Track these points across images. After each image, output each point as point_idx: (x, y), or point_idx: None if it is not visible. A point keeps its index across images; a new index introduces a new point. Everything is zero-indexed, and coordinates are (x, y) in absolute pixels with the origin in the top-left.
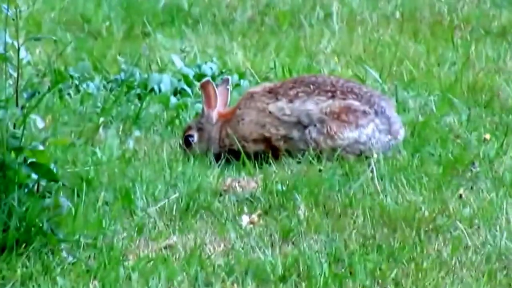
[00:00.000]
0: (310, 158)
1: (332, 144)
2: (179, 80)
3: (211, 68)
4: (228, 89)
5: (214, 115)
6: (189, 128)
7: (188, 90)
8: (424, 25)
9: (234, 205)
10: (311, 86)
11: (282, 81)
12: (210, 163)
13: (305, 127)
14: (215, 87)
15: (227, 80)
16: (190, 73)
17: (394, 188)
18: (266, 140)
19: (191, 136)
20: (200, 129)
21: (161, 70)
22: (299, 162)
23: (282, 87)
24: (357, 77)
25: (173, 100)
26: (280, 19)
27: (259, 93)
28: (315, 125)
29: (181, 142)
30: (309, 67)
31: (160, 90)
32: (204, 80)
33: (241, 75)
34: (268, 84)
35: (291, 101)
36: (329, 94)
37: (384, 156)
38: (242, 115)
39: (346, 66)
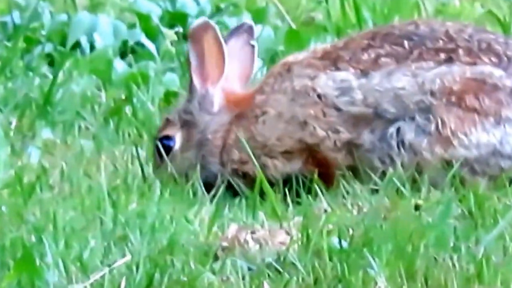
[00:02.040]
0: (399, 184)
1: (445, 154)
2: (131, 27)
3: (197, 1)
4: (253, 47)
5: (217, 95)
6: (166, 123)
7: (151, 46)
8: None
9: (243, 279)
10: (406, 43)
11: (349, 37)
12: (195, 194)
13: (391, 122)
14: (220, 36)
15: (250, 28)
16: (154, 11)
17: None
18: (310, 152)
19: (169, 138)
20: (186, 124)
21: (94, 6)
22: (375, 192)
23: (346, 47)
24: (495, 21)
25: (120, 66)
26: None
27: (302, 62)
28: (411, 118)
29: (154, 149)
30: (398, 1)
31: (92, 47)
32: (197, 22)
33: (258, 15)
34: (322, 46)
35: (363, 73)
36: (442, 55)
37: None
38: (264, 105)
39: None
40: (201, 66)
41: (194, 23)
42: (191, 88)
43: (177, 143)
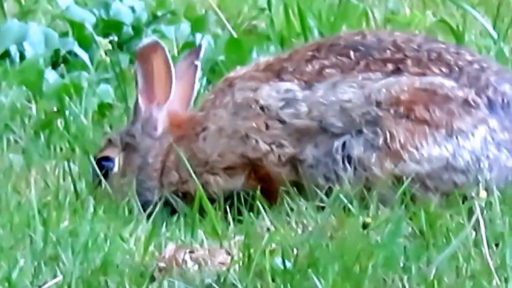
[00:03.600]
0: (346, 201)
1: (395, 169)
2: (64, 35)
3: (132, 9)
4: (195, 67)
5: (161, 118)
6: (107, 143)
7: (84, 56)
8: None
9: None
10: (352, 54)
11: (293, 49)
12: (131, 211)
13: (337, 136)
14: (169, 57)
15: (197, 51)
16: (87, 19)
17: None
18: (252, 167)
19: (109, 160)
20: (128, 148)
21: (24, 13)
22: (321, 209)
23: (290, 59)
24: (448, 30)
25: (51, 76)
26: None
27: (244, 76)
28: (359, 132)
29: (92, 169)
30: (345, 9)
31: (22, 56)
32: (146, 41)
33: (197, 24)
34: (264, 59)
35: (307, 85)
36: (390, 66)
37: (504, 196)
38: (204, 121)
39: (423, 5)
40: (148, 87)
41: (143, 42)
42: (135, 109)
43: (116, 166)
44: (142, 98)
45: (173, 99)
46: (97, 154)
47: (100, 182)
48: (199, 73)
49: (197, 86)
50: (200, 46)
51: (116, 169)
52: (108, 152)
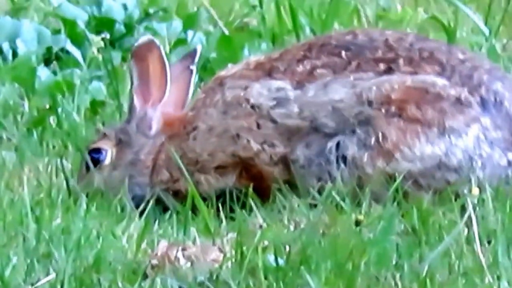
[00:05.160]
0: (338, 198)
1: (388, 168)
2: (56, 33)
3: (124, 6)
4: (191, 71)
5: (156, 118)
6: (102, 136)
7: (76, 53)
8: None
9: None
10: (344, 54)
11: (284, 48)
12: (123, 209)
13: (330, 136)
14: (164, 57)
15: (193, 55)
16: (80, 16)
17: None
18: (244, 166)
19: (101, 151)
20: (121, 143)
21: (17, 10)
22: (313, 206)
23: (281, 59)
24: (439, 27)
25: (44, 74)
26: None
27: (234, 75)
28: (352, 132)
29: (82, 159)
30: (337, 6)
31: (15, 54)
32: (142, 40)
33: (189, 21)
34: (255, 58)
35: (299, 85)
36: (382, 65)
37: (496, 194)
38: (194, 120)
39: (414, 2)
40: (143, 86)
41: (139, 40)
42: (130, 109)
43: (107, 159)
44: (137, 97)
45: (167, 101)
46: (89, 145)
47: (88, 171)
48: (194, 77)
49: (192, 90)
50: (195, 50)
51: (107, 161)
52: (100, 144)
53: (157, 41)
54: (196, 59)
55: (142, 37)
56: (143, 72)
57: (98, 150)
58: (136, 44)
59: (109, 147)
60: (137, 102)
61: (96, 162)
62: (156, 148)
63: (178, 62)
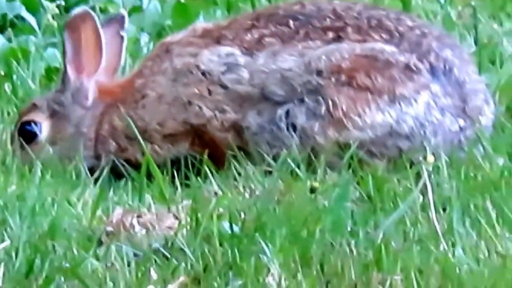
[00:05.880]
0: (293, 165)
1: (339, 138)
2: (11, 0)
3: None
4: (122, 38)
5: (91, 88)
6: (33, 107)
7: (31, 20)
8: None
9: (129, 265)
10: (292, 23)
11: (233, 18)
12: (78, 176)
13: (280, 104)
14: (99, 27)
15: (121, 19)
16: None
17: (471, 227)
18: (196, 134)
19: (34, 124)
20: (55, 115)
21: None
22: (268, 174)
23: (229, 27)
24: None
25: None
26: None
27: (181, 41)
28: (301, 101)
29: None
30: None
31: None
32: (76, 11)
33: None
34: (202, 25)
35: (248, 53)
36: (330, 34)
37: (451, 161)
38: (143, 88)
39: None
40: (77, 57)
41: (73, 12)
42: (64, 79)
43: (43, 132)
44: (71, 68)
45: (103, 68)
46: (20, 117)
47: (22, 145)
48: (125, 44)
49: (123, 56)
50: (123, 16)
51: (43, 136)
52: (33, 116)
53: (91, 12)
54: (125, 26)
55: (77, 8)
56: (77, 43)
57: (31, 123)
58: (70, 15)
59: (42, 119)
60: (71, 72)
61: (31, 135)
62: (96, 118)
63: (105, 28)
